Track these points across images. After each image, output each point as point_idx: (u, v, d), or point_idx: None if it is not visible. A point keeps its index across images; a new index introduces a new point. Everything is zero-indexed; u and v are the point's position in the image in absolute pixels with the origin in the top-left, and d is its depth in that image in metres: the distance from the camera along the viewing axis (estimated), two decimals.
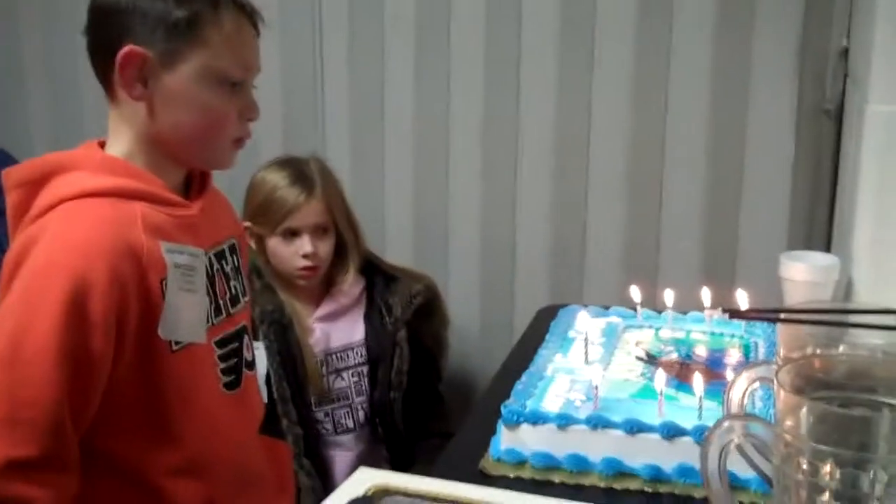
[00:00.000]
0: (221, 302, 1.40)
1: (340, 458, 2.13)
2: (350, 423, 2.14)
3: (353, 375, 2.14)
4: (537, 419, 1.40)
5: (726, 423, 1.01)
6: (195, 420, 1.33)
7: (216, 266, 1.39)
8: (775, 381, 1.00)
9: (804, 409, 0.96)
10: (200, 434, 1.34)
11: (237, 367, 1.41)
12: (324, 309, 2.14)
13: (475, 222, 2.49)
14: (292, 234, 2.07)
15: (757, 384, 1.17)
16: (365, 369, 2.15)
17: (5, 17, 2.68)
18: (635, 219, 2.38)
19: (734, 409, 1.13)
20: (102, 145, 1.36)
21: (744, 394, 1.14)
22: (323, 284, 2.15)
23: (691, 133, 2.30)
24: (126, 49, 1.27)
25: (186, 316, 1.30)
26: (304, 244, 2.06)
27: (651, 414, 1.41)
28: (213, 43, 1.29)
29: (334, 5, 2.48)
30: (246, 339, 1.46)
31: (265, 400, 2.04)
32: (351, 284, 2.15)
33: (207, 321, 1.35)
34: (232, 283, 1.43)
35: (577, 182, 2.40)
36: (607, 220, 2.40)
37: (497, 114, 2.42)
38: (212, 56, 1.30)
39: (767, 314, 1.20)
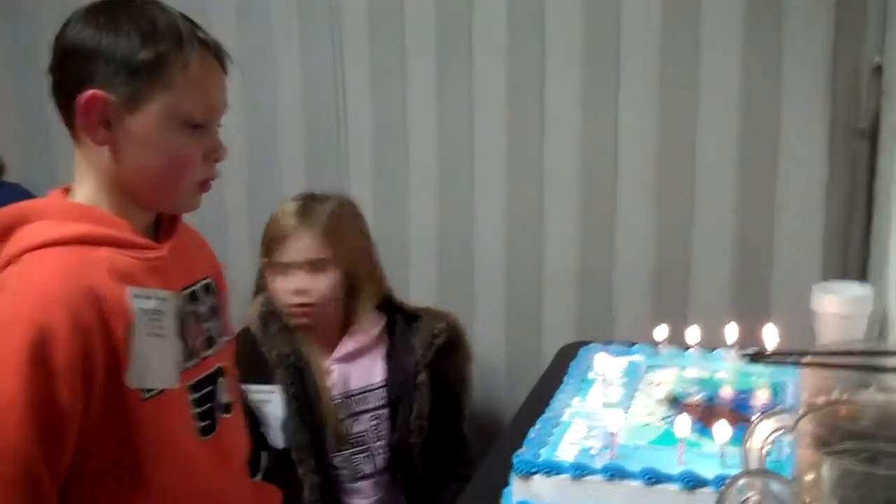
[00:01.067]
0: (193, 345, 1.35)
1: None
2: (369, 469, 2.06)
3: (371, 419, 2.07)
4: (551, 469, 1.33)
5: (742, 481, 0.93)
6: (169, 467, 1.29)
7: (187, 308, 1.35)
8: (795, 432, 0.91)
9: (826, 465, 0.87)
10: (175, 482, 1.30)
11: (212, 412, 1.37)
12: (342, 349, 2.07)
13: (501, 253, 2.43)
14: (284, 269, 2.00)
15: (780, 431, 1.08)
16: (385, 412, 2.07)
17: (28, 55, 2.66)
18: (664, 247, 2.30)
19: (752, 461, 1.05)
20: (69, 191, 1.33)
21: (763, 444, 1.05)
22: (341, 324, 2.09)
23: (721, 157, 2.22)
24: (88, 94, 1.24)
25: (157, 362, 1.26)
26: (291, 280, 1.99)
27: (671, 462, 1.32)
28: (178, 85, 1.26)
29: (354, 32, 2.44)
30: (221, 381, 1.41)
31: (281, 446, 2.00)
32: (370, 323, 2.08)
33: (180, 366, 1.31)
34: (205, 324, 1.39)
35: (604, 210, 2.33)
36: (635, 250, 2.32)
37: (521, 140, 2.36)
38: (176, 98, 1.26)
39: (788, 357, 1.12)
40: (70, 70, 1.26)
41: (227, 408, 1.41)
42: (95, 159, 1.29)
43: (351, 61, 2.45)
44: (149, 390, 1.25)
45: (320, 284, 2.00)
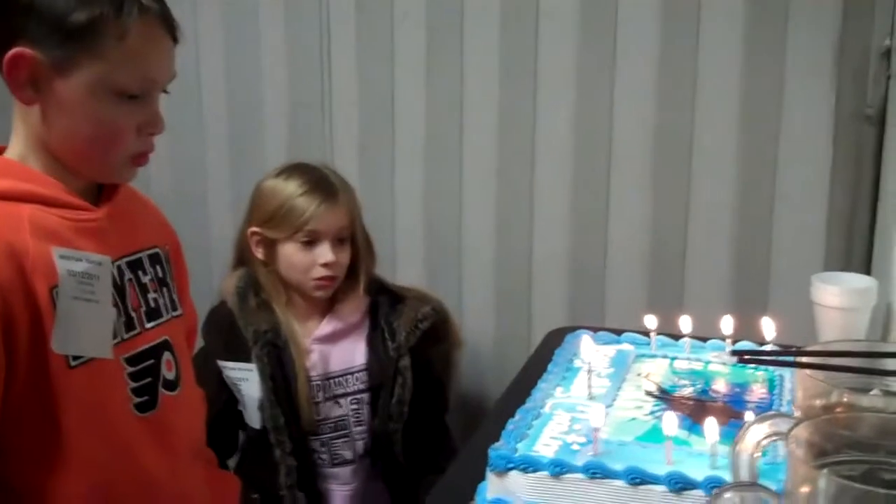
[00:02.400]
0: (134, 315, 1.29)
1: (337, 492, 1.99)
2: (348, 455, 2.00)
3: (352, 403, 2.00)
4: (528, 465, 1.25)
5: (727, 495, 0.85)
6: (98, 443, 1.24)
7: (128, 276, 1.29)
8: (788, 441, 0.84)
9: (822, 479, 0.80)
10: (105, 459, 1.24)
11: (152, 387, 1.31)
12: (324, 328, 2.00)
13: (490, 236, 2.36)
14: (311, 241, 1.94)
15: (772, 439, 1.00)
16: (366, 397, 2.00)
17: None
18: (660, 231, 2.23)
19: (742, 470, 0.97)
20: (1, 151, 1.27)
21: (754, 451, 0.97)
22: (325, 302, 2.02)
23: (721, 140, 2.15)
24: (15, 51, 1.18)
25: (86, 328, 1.21)
26: (325, 252, 1.94)
27: (659, 461, 1.25)
28: (112, 54, 1.19)
29: (342, 3, 2.36)
30: (167, 356, 1.34)
31: (258, 427, 1.94)
32: (356, 303, 2.01)
33: (115, 336, 1.25)
34: (150, 295, 1.33)
35: (597, 191, 2.26)
36: (629, 236, 2.25)
37: (513, 119, 2.28)
38: (109, 68, 1.20)
39: (780, 357, 1.04)
40: (3, 22, 1.19)
41: (171, 385, 1.34)
42: (26, 118, 1.23)
43: (337, 34, 2.37)
44: (76, 357, 1.20)
45: (345, 257, 1.98)
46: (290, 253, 1.96)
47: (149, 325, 1.32)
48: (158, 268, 1.36)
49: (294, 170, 2.00)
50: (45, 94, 1.20)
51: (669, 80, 2.14)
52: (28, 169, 1.23)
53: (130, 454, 1.27)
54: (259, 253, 1.98)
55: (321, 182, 1.97)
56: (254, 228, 1.97)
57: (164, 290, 1.36)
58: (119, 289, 1.27)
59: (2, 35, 1.19)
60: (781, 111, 2.09)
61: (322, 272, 1.95)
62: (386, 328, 2.00)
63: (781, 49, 2.07)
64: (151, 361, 1.31)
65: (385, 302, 2.04)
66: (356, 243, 2.00)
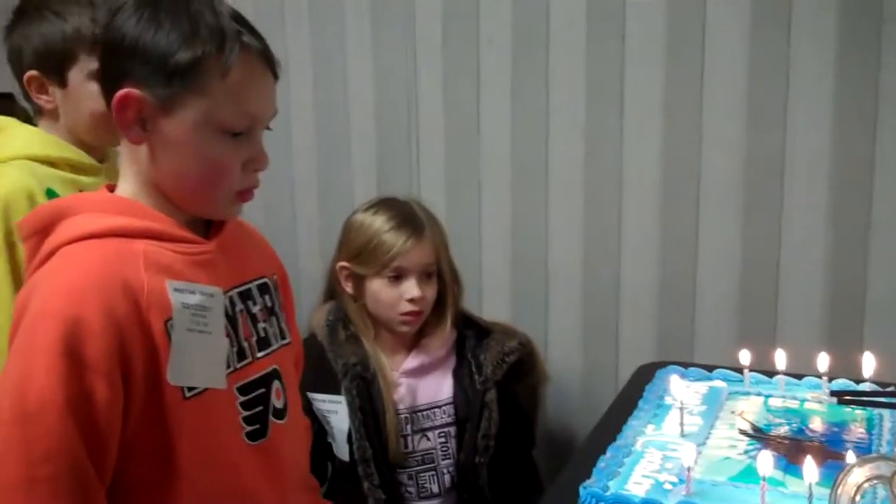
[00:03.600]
0: (246, 345, 1.31)
1: None
2: (435, 488, 2.00)
3: (439, 436, 2.00)
4: None
5: None
6: (213, 472, 1.25)
7: (239, 306, 1.31)
8: (891, 485, 0.81)
9: None
10: (220, 488, 1.25)
11: (263, 416, 1.32)
12: (412, 362, 2.01)
13: (577, 265, 2.33)
14: (398, 276, 1.96)
15: (873, 482, 0.97)
16: (452, 430, 2.00)
17: None
18: (751, 261, 2.17)
19: None
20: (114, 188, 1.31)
21: (855, 495, 0.94)
22: (413, 335, 2.03)
23: (813, 166, 2.08)
24: (122, 92, 1.20)
25: (200, 360, 1.22)
26: (412, 287, 1.95)
27: (753, 502, 1.22)
28: (215, 92, 1.20)
29: (428, 31, 2.38)
30: (276, 385, 1.35)
31: (346, 459, 1.95)
32: (444, 337, 2.02)
33: (228, 366, 1.27)
34: (260, 324, 1.34)
35: (687, 220, 2.22)
36: (720, 267, 2.20)
37: (600, 146, 2.26)
38: (213, 105, 1.21)
39: (882, 397, 1.00)
40: (110, 63, 1.23)
41: (280, 413, 1.36)
42: (135, 156, 1.26)
43: (424, 63, 2.39)
44: (191, 389, 1.21)
45: (431, 291, 1.99)
46: (378, 289, 1.97)
47: (259, 355, 1.33)
48: (267, 297, 1.37)
49: (382, 204, 2.02)
50: (152, 133, 1.22)
51: (759, 104, 2.11)
52: (140, 205, 1.26)
53: (242, 483, 1.28)
54: (348, 287, 2.00)
55: (408, 218, 1.99)
56: (343, 263, 2.00)
57: (273, 319, 1.37)
58: (231, 319, 1.28)
59: (110, 77, 1.22)
60: (875, 136, 2.04)
61: (408, 307, 1.96)
62: (473, 362, 2.00)
63: (875, 71, 2.01)
64: (262, 390, 1.32)
65: (472, 336, 2.04)
66: (443, 277, 2.01)
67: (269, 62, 1.25)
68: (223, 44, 1.20)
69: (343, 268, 2.00)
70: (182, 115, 1.20)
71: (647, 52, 2.18)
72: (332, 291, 2.07)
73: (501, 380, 1.99)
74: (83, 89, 1.64)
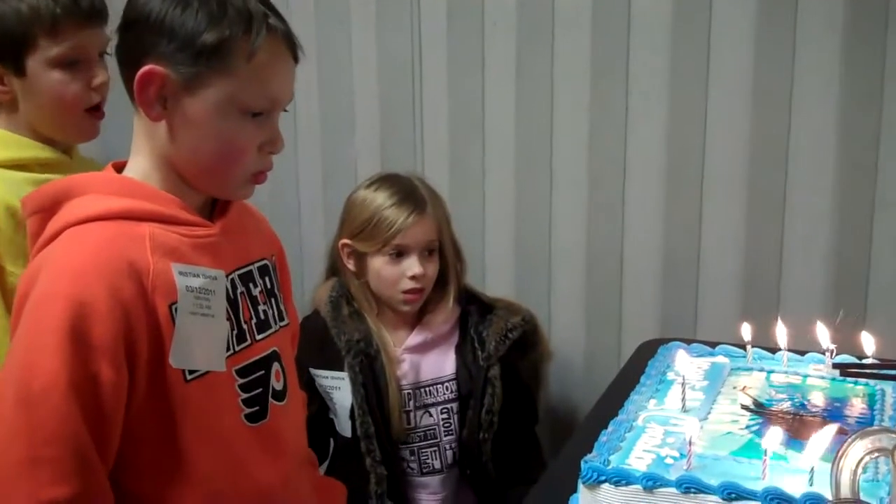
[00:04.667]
0: (245, 327, 1.31)
1: (426, 501, 2.00)
2: (437, 464, 2.00)
3: (441, 412, 2.00)
4: (621, 478, 1.23)
5: None
6: (215, 454, 1.26)
7: (240, 289, 1.31)
8: (892, 457, 0.81)
9: None
10: (221, 470, 1.27)
11: (262, 398, 1.33)
12: (415, 338, 2.01)
13: (580, 244, 2.33)
14: (399, 254, 1.96)
15: (875, 455, 0.97)
16: (454, 406, 2.01)
17: None
18: (754, 239, 2.17)
19: (844, 485, 0.94)
20: (122, 166, 1.30)
21: (857, 467, 0.95)
22: (415, 312, 2.03)
23: (818, 145, 2.08)
24: (147, 68, 1.20)
25: (202, 343, 1.23)
26: (413, 265, 1.95)
27: (755, 476, 1.22)
28: (240, 73, 1.22)
29: (432, 12, 2.37)
30: (276, 366, 1.36)
31: (349, 435, 1.95)
32: (446, 313, 2.02)
33: (228, 348, 1.28)
34: (260, 307, 1.35)
35: (691, 199, 2.22)
36: (724, 245, 2.20)
37: (604, 127, 2.25)
38: (236, 86, 1.22)
39: (885, 370, 1.01)
40: (134, 39, 1.23)
41: (280, 395, 1.36)
42: (152, 133, 1.26)
43: (428, 44, 2.38)
44: (192, 371, 1.22)
45: (433, 268, 1.99)
46: (380, 266, 1.97)
47: (259, 337, 1.34)
48: (267, 279, 1.38)
49: (384, 181, 2.02)
50: (172, 110, 1.23)
51: (765, 85, 2.10)
52: (148, 187, 1.26)
53: (242, 465, 1.29)
54: (350, 265, 2.00)
55: (410, 194, 1.98)
56: (345, 240, 2.00)
57: (273, 300, 1.38)
58: (232, 302, 1.29)
59: (133, 53, 1.22)
60: (882, 115, 2.03)
61: (410, 284, 1.96)
62: (475, 338, 2.01)
63: (881, 51, 2.01)
64: (262, 372, 1.33)
65: (475, 312, 2.04)
66: (445, 254, 2.01)
67: (291, 46, 1.27)
68: (250, 26, 1.21)
69: (345, 245, 2.00)
70: (205, 94, 1.21)
71: (653, 34, 2.17)
72: (334, 269, 2.07)
73: (504, 356, 1.99)
74: (44, 78, 1.53)
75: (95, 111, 1.60)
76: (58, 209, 1.24)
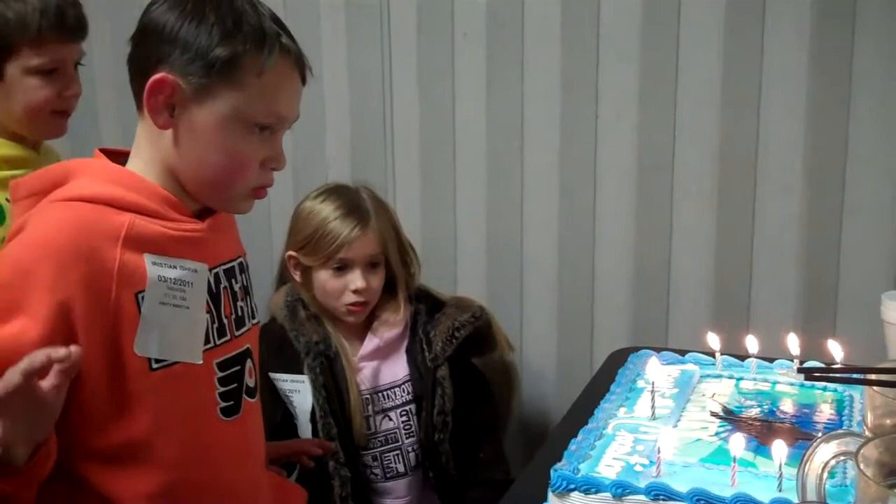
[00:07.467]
0: (226, 321, 1.33)
1: None
2: (401, 468, 2.00)
3: (401, 415, 2.00)
4: (590, 486, 1.23)
5: None
6: (180, 445, 1.27)
7: (223, 283, 1.33)
8: (857, 460, 0.81)
9: (892, 500, 0.77)
10: (183, 461, 1.27)
11: (237, 393, 1.34)
12: (367, 346, 2.01)
13: (552, 254, 2.33)
14: (343, 267, 1.96)
15: (841, 458, 0.97)
16: (412, 408, 2.01)
17: None
18: (725, 249, 2.18)
19: (810, 489, 0.94)
20: (111, 152, 1.32)
21: (822, 471, 0.94)
22: (366, 320, 2.03)
23: (787, 158, 2.10)
24: (159, 76, 1.23)
25: (174, 333, 1.25)
26: (356, 279, 1.95)
27: (724, 483, 1.22)
28: (249, 88, 1.25)
29: (402, 23, 2.36)
30: (249, 363, 1.38)
31: (308, 438, 1.94)
32: (394, 318, 2.02)
33: (209, 341, 1.29)
34: (239, 303, 1.37)
35: (660, 209, 2.22)
36: (694, 251, 2.20)
37: (574, 137, 2.25)
38: (244, 100, 1.25)
39: (849, 374, 1.01)
40: (148, 48, 1.25)
41: (252, 392, 1.38)
42: (156, 141, 1.27)
43: (398, 55, 2.38)
44: (159, 361, 1.23)
45: (377, 281, 1.99)
46: (324, 279, 1.98)
47: (237, 333, 1.35)
48: (244, 276, 1.40)
49: (330, 193, 2.02)
50: (180, 119, 1.25)
51: (733, 93, 2.11)
52: (143, 180, 1.27)
53: (210, 458, 1.30)
54: (297, 276, 2.01)
55: (354, 208, 1.98)
56: (291, 252, 2.00)
57: (248, 298, 1.40)
58: (214, 296, 1.31)
59: (147, 61, 1.25)
60: (849, 122, 2.05)
61: (353, 298, 1.96)
62: (423, 338, 2.01)
63: (849, 63, 2.02)
64: (237, 368, 1.35)
65: (423, 312, 2.04)
66: (391, 265, 2.01)
67: (301, 66, 1.30)
68: (263, 43, 1.24)
69: (291, 257, 2.00)
70: (213, 106, 1.23)
71: (622, 44, 2.18)
72: (283, 278, 2.08)
73: (454, 355, 1.99)
74: (20, 84, 1.58)
75: (63, 112, 1.65)
76: (49, 193, 1.25)
